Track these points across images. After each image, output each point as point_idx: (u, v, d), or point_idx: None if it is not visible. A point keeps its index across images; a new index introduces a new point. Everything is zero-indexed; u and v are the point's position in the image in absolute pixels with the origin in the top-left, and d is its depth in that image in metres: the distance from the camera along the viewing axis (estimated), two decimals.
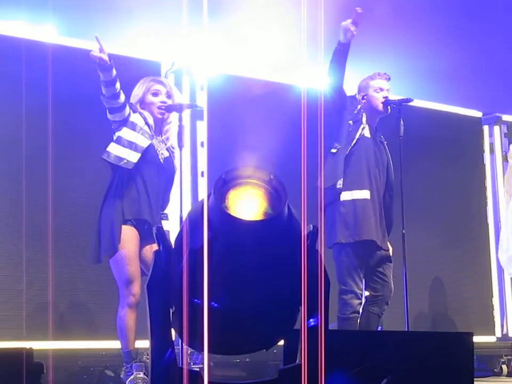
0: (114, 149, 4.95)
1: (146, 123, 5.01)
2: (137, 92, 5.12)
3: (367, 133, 5.57)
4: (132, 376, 4.79)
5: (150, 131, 5.02)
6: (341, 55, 5.42)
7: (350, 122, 5.53)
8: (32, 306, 5.72)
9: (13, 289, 5.69)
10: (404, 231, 5.56)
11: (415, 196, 6.84)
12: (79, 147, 5.95)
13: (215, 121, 6.64)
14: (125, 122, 4.98)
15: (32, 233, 5.82)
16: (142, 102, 5.10)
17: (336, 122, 5.54)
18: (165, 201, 5.11)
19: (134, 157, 4.93)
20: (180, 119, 5.10)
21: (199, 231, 2.70)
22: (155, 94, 5.10)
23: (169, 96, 5.13)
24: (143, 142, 4.97)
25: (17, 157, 5.84)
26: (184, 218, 4.96)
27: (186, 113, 6.10)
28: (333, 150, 5.49)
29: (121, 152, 4.93)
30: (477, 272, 7.83)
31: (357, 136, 5.50)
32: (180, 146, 5.05)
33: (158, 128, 5.12)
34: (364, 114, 5.58)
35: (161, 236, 2.84)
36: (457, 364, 3.37)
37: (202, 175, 6.53)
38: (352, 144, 5.48)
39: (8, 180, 5.83)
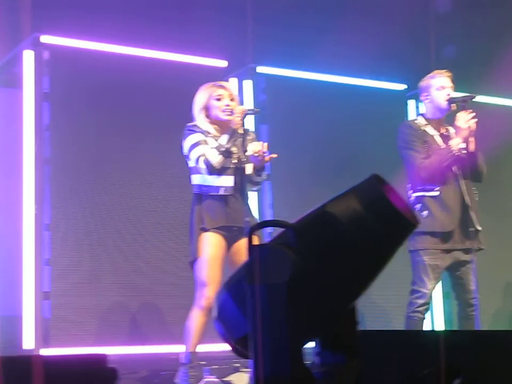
0: (201, 180, 5.05)
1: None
2: (201, 99, 5.14)
3: (431, 131, 5.54)
4: (205, 380, 4.80)
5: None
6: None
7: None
8: (106, 313, 5.83)
9: (87, 295, 5.81)
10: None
11: (485, 191, 6.72)
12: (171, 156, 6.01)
13: (277, 125, 6.70)
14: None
15: (111, 238, 5.99)
16: (207, 108, 5.14)
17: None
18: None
19: (229, 181, 5.01)
20: (243, 124, 5.09)
21: (363, 228, 2.66)
22: (218, 99, 5.12)
23: (232, 99, 5.15)
24: (227, 163, 5.02)
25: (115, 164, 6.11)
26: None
27: (250, 117, 6.14)
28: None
29: (219, 182, 5.01)
30: None
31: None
32: (243, 151, 5.04)
33: (224, 132, 5.09)
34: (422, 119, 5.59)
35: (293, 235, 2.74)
36: None
37: None
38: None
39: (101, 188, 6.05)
